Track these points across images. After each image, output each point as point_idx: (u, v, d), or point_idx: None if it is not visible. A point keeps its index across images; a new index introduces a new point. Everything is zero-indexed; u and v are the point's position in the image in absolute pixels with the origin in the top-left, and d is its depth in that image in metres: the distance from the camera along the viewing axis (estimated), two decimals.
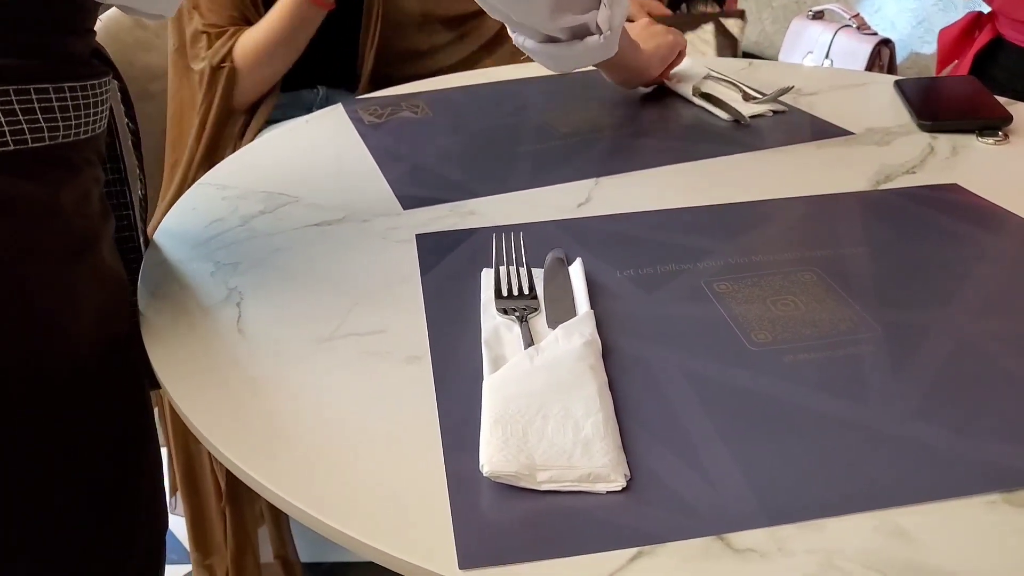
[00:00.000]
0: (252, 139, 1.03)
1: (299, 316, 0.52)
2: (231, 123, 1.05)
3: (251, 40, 1.01)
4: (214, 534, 1.03)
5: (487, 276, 0.55)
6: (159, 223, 0.66)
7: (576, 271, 0.54)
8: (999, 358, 0.46)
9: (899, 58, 1.55)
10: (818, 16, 1.62)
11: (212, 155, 1.02)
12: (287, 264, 0.59)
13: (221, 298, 0.55)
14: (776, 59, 1.82)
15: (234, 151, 1.05)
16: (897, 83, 0.92)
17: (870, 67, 1.48)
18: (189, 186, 1.02)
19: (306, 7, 0.99)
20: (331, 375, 0.47)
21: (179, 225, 0.66)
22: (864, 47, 1.47)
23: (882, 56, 1.47)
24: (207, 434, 0.43)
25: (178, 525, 1.32)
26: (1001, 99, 0.86)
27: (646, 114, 0.88)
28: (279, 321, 0.52)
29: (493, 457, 0.38)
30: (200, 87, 1.02)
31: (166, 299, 0.55)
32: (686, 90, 0.91)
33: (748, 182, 0.70)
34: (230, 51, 1.01)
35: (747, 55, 2.27)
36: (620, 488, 0.38)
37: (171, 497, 1.28)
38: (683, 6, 2.85)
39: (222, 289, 0.56)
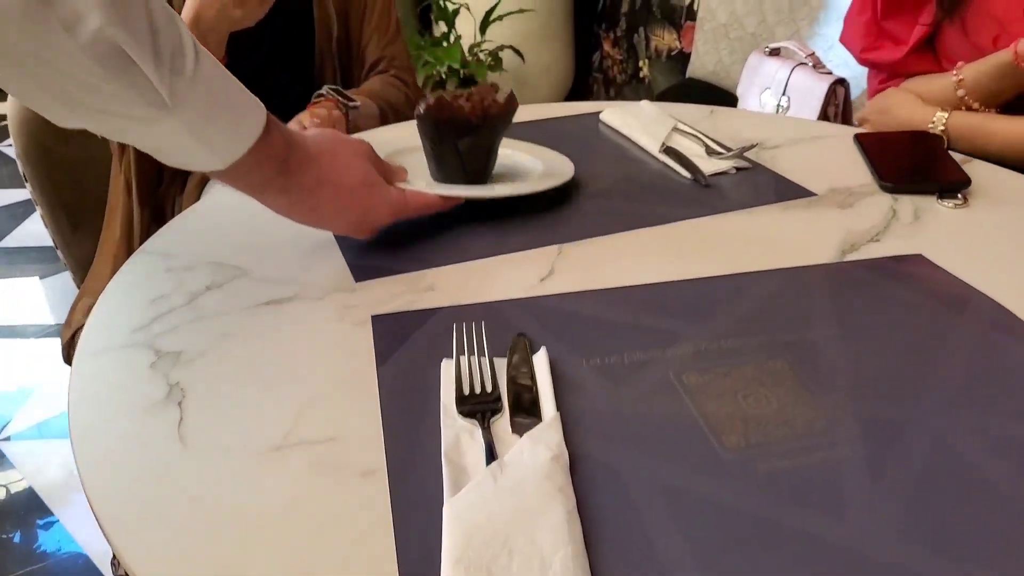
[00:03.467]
0: (197, 183, 1.00)
1: (247, 419, 0.49)
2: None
3: None
4: None
5: (447, 369, 0.52)
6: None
7: (541, 362, 0.52)
8: (976, 462, 0.45)
9: (852, 95, 1.57)
10: (775, 53, 1.63)
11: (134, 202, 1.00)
12: (235, 354, 0.55)
13: (162, 396, 0.51)
14: (733, 90, 1.83)
15: (170, 192, 1.01)
16: (857, 138, 0.92)
17: (826, 105, 1.50)
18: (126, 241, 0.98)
19: None
20: (280, 494, 0.43)
21: (119, 302, 0.62)
22: (820, 85, 1.48)
23: (837, 95, 1.48)
24: (139, 569, 0.39)
25: None
26: (957, 156, 0.87)
27: (609, 172, 0.86)
28: (225, 426, 0.48)
29: None
30: None
31: (101, 395, 0.51)
32: (652, 146, 0.89)
33: (714, 251, 0.69)
34: None
35: (704, 84, 2.29)
36: None
37: None
38: (640, 31, 2.88)
39: (163, 384, 0.52)
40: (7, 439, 1.64)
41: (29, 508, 1.48)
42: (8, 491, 1.52)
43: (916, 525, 0.41)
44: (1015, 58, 0.93)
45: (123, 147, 0.98)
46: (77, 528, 1.43)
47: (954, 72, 1.00)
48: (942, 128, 0.99)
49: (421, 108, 0.72)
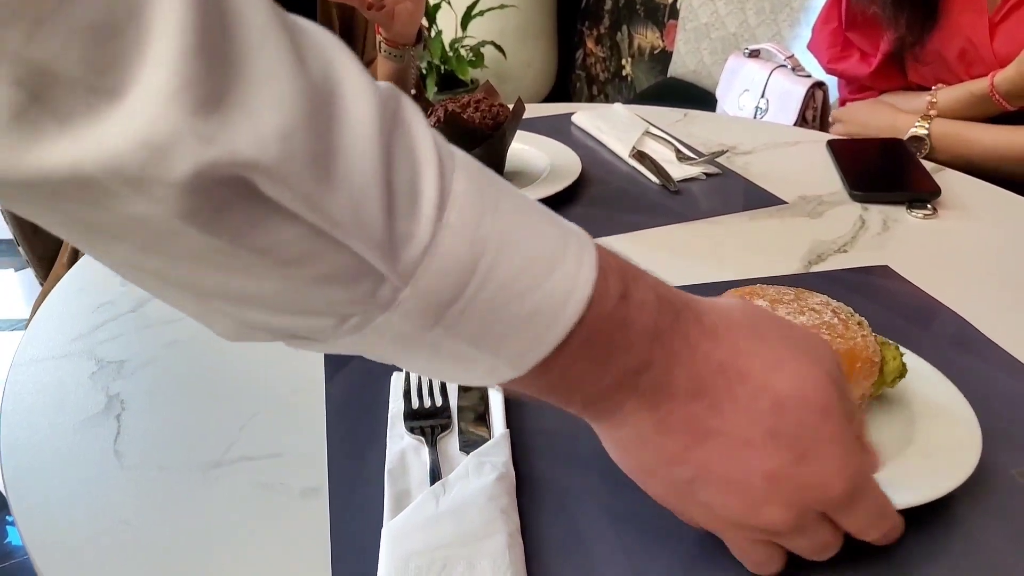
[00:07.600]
0: None
1: (187, 433, 0.47)
2: None
3: None
4: None
5: (396, 383, 0.50)
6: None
7: None
8: None
9: (831, 98, 1.57)
10: (754, 54, 1.62)
11: None
12: (181, 364, 0.53)
13: (99, 408, 0.49)
14: (714, 90, 1.82)
15: None
16: (829, 144, 0.91)
17: (804, 107, 1.49)
18: None
19: None
20: (218, 514, 0.42)
21: (63, 308, 0.60)
22: (799, 88, 1.47)
23: (816, 98, 1.47)
24: None
25: None
26: (928, 165, 0.86)
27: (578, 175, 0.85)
28: (164, 440, 0.47)
29: None
30: None
31: (35, 407, 0.50)
32: (622, 150, 0.88)
33: (681, 261, 0.68)
34: None
35: (685, 83, 2.28)
36: None
37: None
38: (624, 29, 2.87)
39: (101, 396, 0.50)
40: None
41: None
42: None
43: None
44: (990, 90, 0.93)
45: None
46: None
47: (929, 94, 1.00)
48: (925, 132, 0.99)
49: (431, 121, 0.72)
